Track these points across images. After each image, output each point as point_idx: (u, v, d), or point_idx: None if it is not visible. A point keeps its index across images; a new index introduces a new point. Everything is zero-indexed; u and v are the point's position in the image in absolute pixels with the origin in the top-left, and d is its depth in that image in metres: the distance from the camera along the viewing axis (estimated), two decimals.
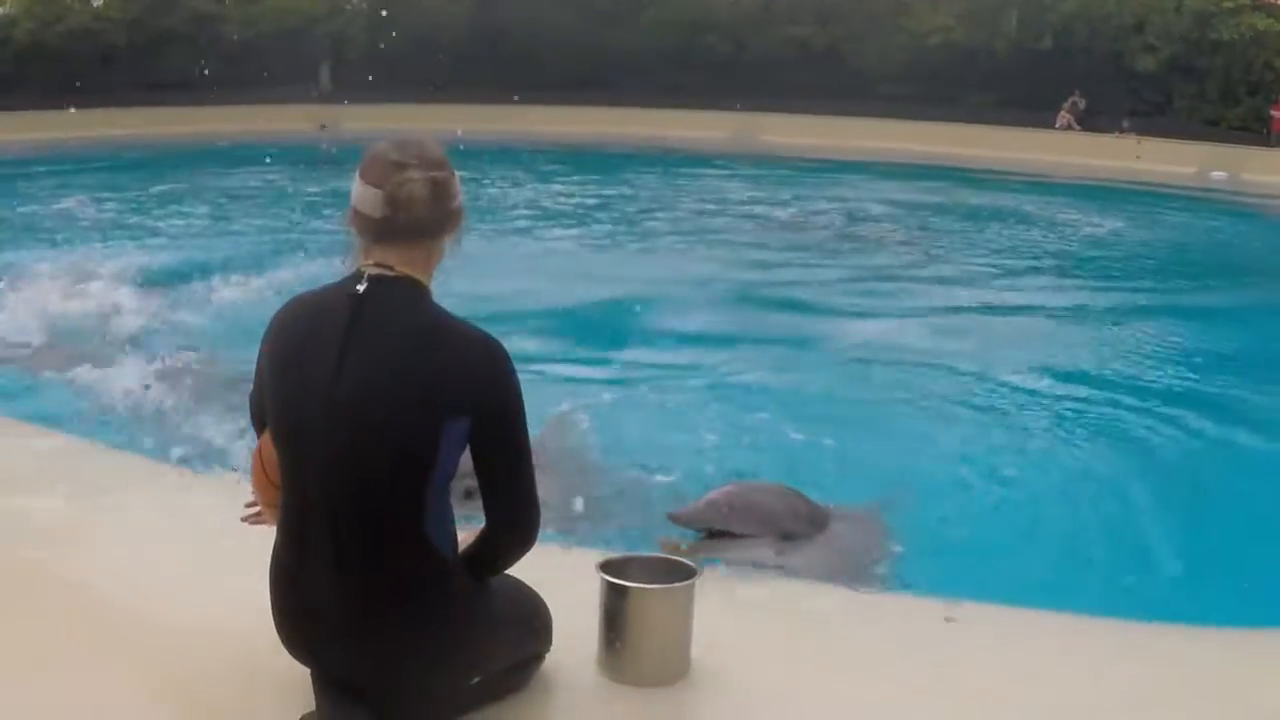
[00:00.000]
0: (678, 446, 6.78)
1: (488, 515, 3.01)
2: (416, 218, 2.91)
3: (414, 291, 2.94)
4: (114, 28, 29.05)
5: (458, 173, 3.03)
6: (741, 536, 4.63)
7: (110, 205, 15.96)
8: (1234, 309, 12.25)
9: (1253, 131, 26.09)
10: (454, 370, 2.85)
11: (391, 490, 2.86)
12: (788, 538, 4.75)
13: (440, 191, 2.93)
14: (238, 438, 6.02)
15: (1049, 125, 27.50)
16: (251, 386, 3.14)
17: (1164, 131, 26.30)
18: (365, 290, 2.89)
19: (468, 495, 3.09)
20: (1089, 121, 27.78)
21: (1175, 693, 3.76)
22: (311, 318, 2.94)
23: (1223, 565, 5.55)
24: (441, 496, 2.92)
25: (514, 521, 3.01)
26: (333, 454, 2.84)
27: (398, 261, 2.93)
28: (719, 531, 4.61)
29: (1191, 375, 9.20)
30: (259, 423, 3.13)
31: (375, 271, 2.92)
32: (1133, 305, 12.20)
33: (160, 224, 14.74)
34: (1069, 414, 7.89)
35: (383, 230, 2.92)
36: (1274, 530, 5.98)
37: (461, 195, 3.04)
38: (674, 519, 4.66)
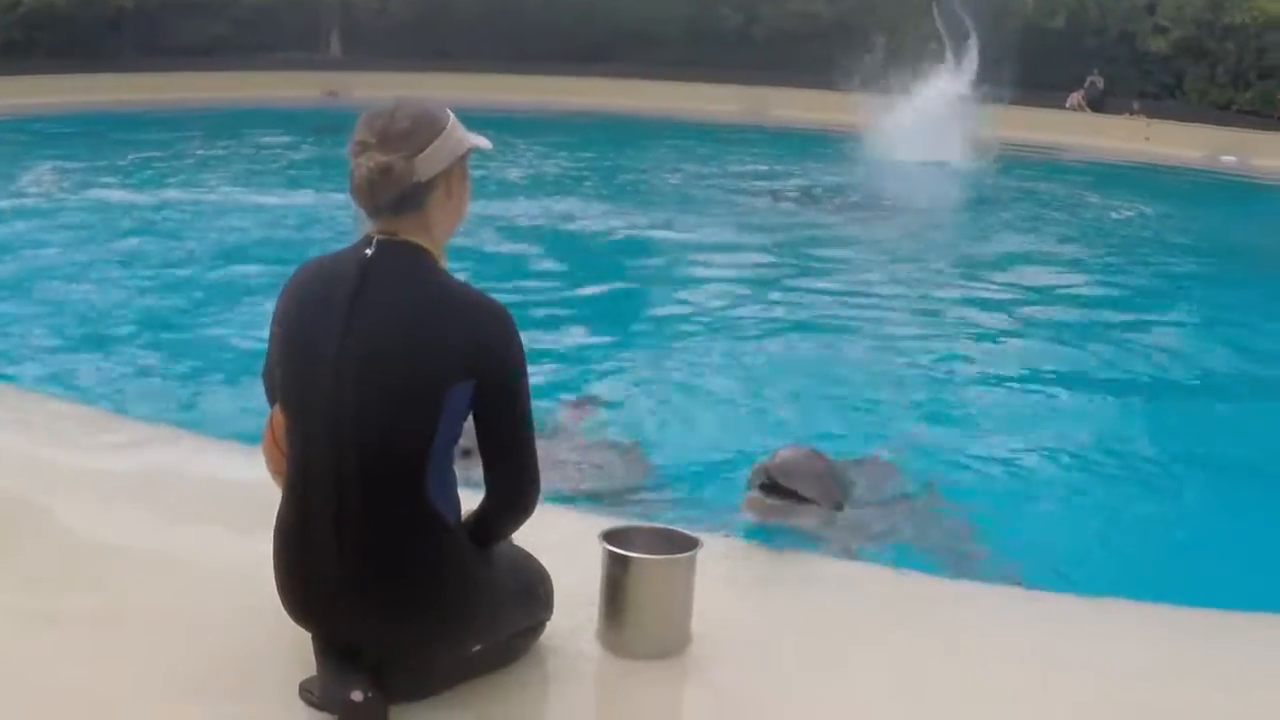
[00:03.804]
0: (691, 420, 6.82)
1: (487, 482, 3.02)
2: (363, 203, 2.91)
3: (420, 256, 2.94)
4: None
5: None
6: (805, 501, 4.72)
7: (114, 170, 15.94)
8: (1244, 292, 12.21)
9: (1263, 116, 25.88)
10: (458, 335, 2.85)
11: (394, 455, 2.86)
12: (838, 507, 4.85)
13: (381, 179, 2.85)
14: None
15: (1060, 105, 27.33)
16: (265, 356, 3.13)
17: (1174, 114, 26.13)
18: (372, 255, 2.90)
19: (465, 454, 3.09)
20: (1099, 102, 27.60)
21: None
22: (322, 282, 2.95)
23: None
24: (444, 462, 2.93)
25: (513, 489, 3.03)
26: (336, 417, 2.85)
27: (397, 229, 2.94)
28: (787, 490, 4.68)
29: (1213, 354, 9.25)
30: (271, 391, 3.13)
31: (383, 236, 2.93)
32: (1140, 287, 12.20)
33: (164, 191, 14.68)
34: (1088, 389, 8.00)
35: (359, 205, 2.93)
36: None
37: (446, 159, 2.95)
38: (757, 471, 4.75)
